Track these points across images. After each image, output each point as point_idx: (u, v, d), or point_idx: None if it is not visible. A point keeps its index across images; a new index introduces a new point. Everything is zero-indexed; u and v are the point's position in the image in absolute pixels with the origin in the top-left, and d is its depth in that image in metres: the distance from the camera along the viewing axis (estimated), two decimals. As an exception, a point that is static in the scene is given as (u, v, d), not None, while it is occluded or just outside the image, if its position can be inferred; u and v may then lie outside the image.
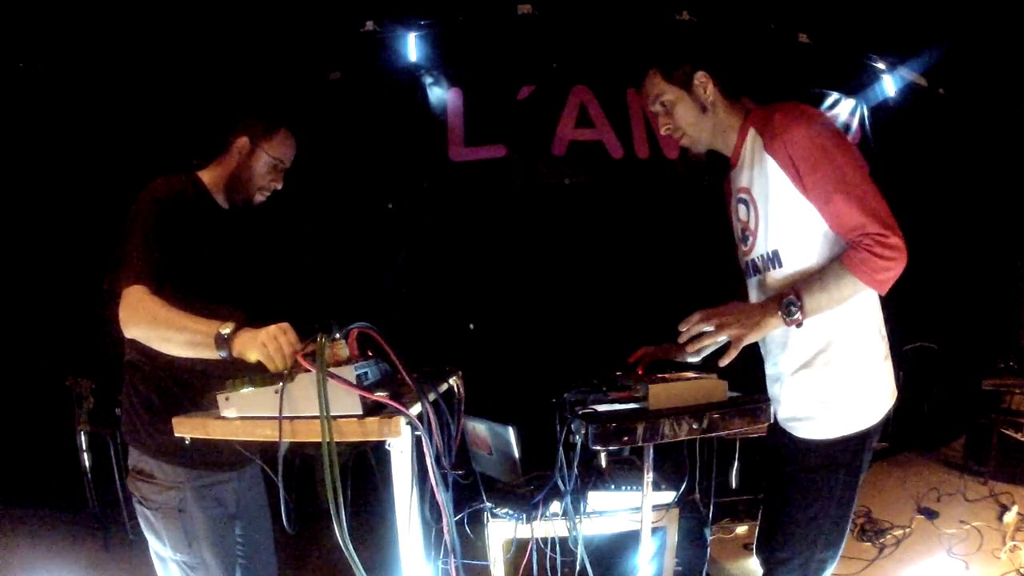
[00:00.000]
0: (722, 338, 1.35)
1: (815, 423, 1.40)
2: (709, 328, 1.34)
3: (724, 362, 1.32)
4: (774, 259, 1.40)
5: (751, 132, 1.40)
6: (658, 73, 1.45)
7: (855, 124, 4.15)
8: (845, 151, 1.27)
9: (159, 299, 1.31)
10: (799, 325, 1.29)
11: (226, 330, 1.21)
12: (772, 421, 1.48)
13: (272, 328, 1.17)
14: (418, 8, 3.58)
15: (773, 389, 1.51)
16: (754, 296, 1.53)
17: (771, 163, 1.32)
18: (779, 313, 1.28)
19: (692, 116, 1.45)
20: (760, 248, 1.43)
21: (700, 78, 1.42)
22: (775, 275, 1.40)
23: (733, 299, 1.54)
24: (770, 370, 1.52)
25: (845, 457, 1.37)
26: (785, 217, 1.34)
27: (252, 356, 1.17)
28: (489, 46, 3.68)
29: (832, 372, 1.37)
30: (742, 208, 1.47)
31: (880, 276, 1.23)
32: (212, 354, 1.22)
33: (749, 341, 1.31)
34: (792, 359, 1.42)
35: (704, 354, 1.75)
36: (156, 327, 1.29)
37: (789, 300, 1.27)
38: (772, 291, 1.39)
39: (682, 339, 1.37)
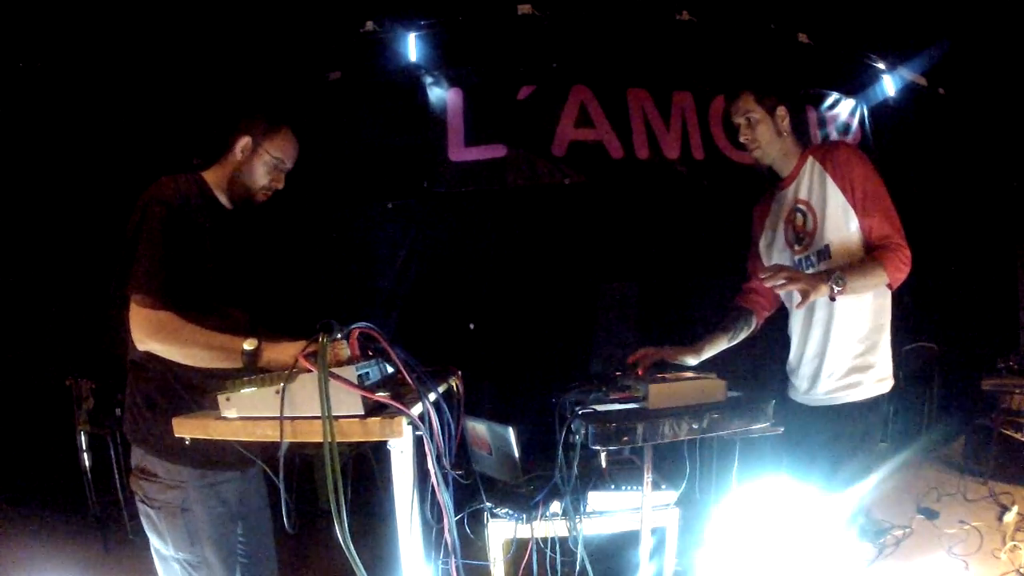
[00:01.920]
0: (793, 287, 1.61)
1: (855, 389, 1.74)
2: (785, 279, 1.59)
3: (801, 306, 1.62)
4: (824, 252, 1.76)
5: (810, 159, 1.81)
6: (751, 95, 1.80)
7: (855, 124, 4.15)
8: (882, 183, 1.73)
9: (174, 315, 1.34)
10: (833, 298, 1.60)
11: (250, 347, 1.25)
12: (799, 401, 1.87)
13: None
14: (418, 8, 3.58)
15: (806, 370, 1.84)
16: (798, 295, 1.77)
17: (831, 183, 1.74)
18: (828, 283, 1.56)
19: (769, 136, 1.81)
20: (816, 245, 1.78)
21: (782, 110, 1.80)
22: (823, 266, 1.75)
23: (732, 301, 2.04)
24: (810, 350, 1.83)
25: (874, 416, 1.76)
26: (838, 222, 1.74)
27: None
28: (489, 46, 3.68)
29: (868, 344, 1.75)
30: (799, 216, 1.83)
31: (898, 274, 1.64)
32: (236, 365, 1.27)
33: (814, 298, 1.59)
34: (843, 336, 1.75)
35: (703, 357, 1.91)
36: (180, 346, 1.33)
37: (838, 275, 1.57)
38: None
39: (766, 280, 1.60)
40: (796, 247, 1.86)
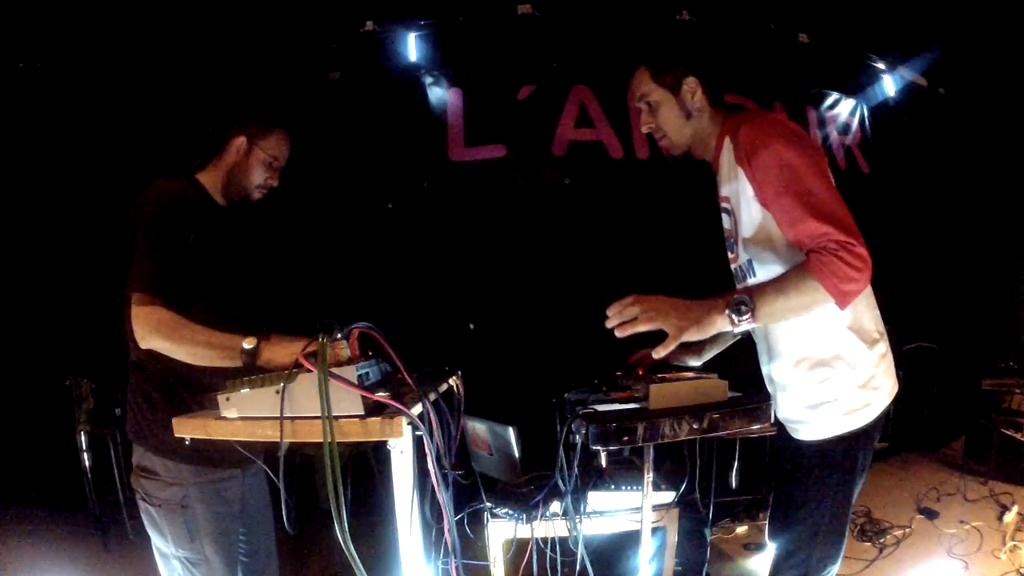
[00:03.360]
0: (648, 327, 1.24)
1: (808, 426, 1.40)
2: (636, 313, 1.23)
3: (659, 353, 1.26)
4: (749, 268, 1.41)
5: (726, 141, 1.39)
6: (647, 72, 1.44)
7: (855, 124, 4.15)
8: (807, 161, 1.23)
9: (175, 313, 1.34)
10: (739, 329, 1.27)
11: (249, 345, 1.26)
12: (773, 420, 1.48)
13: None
14: (418, 8, 3.58)
15: (769, 389, 1.52)
16: None
17: (742, 174, 1.32)
18: (726, 312, 1.20)
19: (676, 120, 1.44)
20: (741, 257, 1.43)
21: (690, 84, 1.41)
22: (751, 283, 1.40)
23: None
24: (764, 372, 1.53)
25: (836, 457, 1.36)
26: (755, 227, 1.34)
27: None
28: (489, 46, 3.68)
29: (819, 377, 1.35)
30: (725, 217, 1.48)
31: (845, 286, 1.15)
32: (235, 364, 1.28)
33: (691, 337, 1.22)
34: (781, 365, 1.42)
35: (705, 358, 1.81)
36: (181, 344, 1.33)
37: (739, 299, 1.20)
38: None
39: (610, 323, 1.25)
40: (730, 255, 1.51)
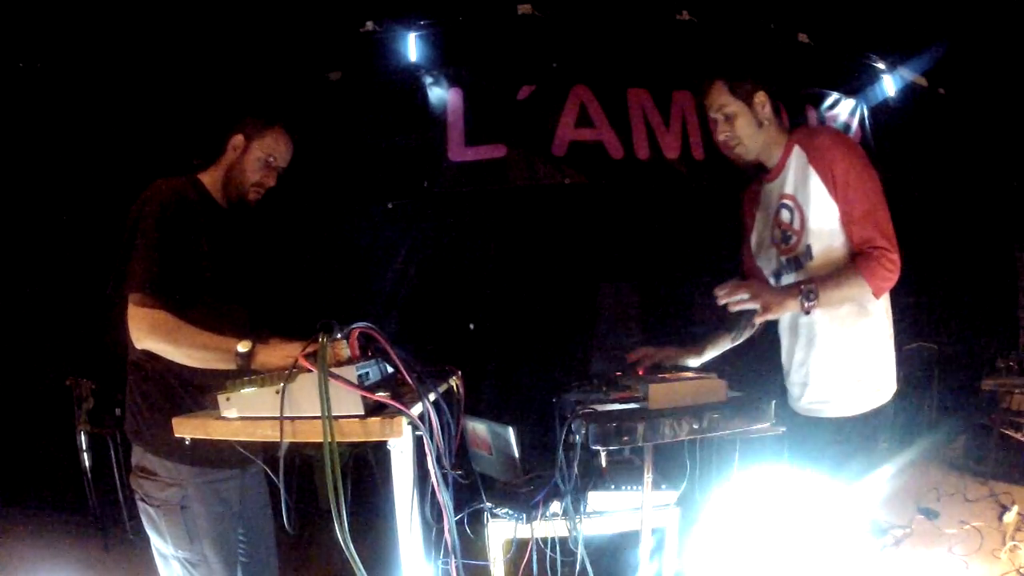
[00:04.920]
0: (751, 305, 1.52)
1: (853, 401, 1.61)
2: (745, 295, 1.50)
3: (759, 320, 1.52)
4: (807, 253, 1.62)
5: (796, 149, 1.63)
6: (724, 85, 1.62)
7: (855, 124, 4.14)
8: (871, 176, 1.55)
9: (170, 314, 1.35)
10: (808, 312, 1.50)
11: (244, 348, 1.27)
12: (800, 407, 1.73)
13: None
14: (418, 8, 3.58)
15: (798, 375, 1.71)
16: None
17: (813, 173, 1.56)
18: (799, 298, 1.47)
19: (749, 129, 1.63)
20: (802, 245, 1.63)
21: (760, 96, 1.62)
22: (809, 267, 1.62)
23: None
24: (798, 360, 1.71)
25: (882, 421, 1.62)
26: (823, 220, 1.58)
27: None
28: (489, 46, 3.68)
29: (858, 359, 1.60)
30: (785, 212, 1.67)
31: (882, 284, 1.49)
32: (230, 367, 1.28)
33: (774, 315, 1.51)
34: (824, 350, 1.63)
35: (704, 359, 1.83)
36: (177, 345, 1.34)
37: (809, 289, 1.47)
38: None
39: (721, 300, 1.51)
40: (783, 246, 1.71)
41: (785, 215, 1.67)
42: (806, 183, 1.58)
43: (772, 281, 1.78)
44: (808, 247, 1.61)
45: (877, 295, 1.52)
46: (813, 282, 1.50)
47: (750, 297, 1.50)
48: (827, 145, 1.57)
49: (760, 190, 1.78)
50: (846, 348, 1.61)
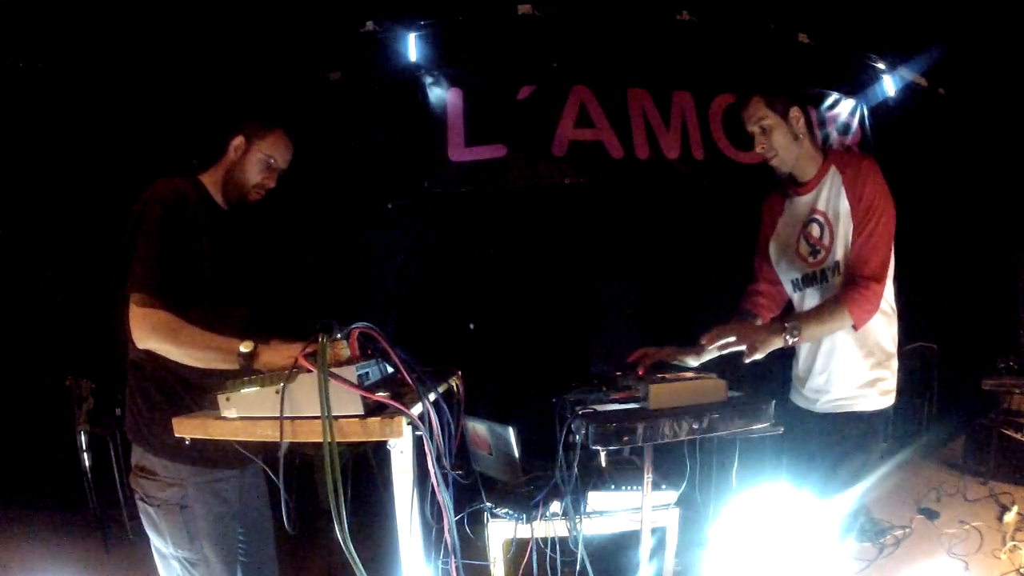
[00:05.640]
0: (738, 348, 1.62)
1: (867, 400, 1.72)
2: (732, 338, 1.61)
3: (748, 360, 1.60)
4: (834, 268, 1.73)
5: (832, 169, 1.74)
6: (762, 100, 1.72)
7: (855, 124, 4.15)
8: (887, 212, 1.66)
9: (171, 314, 1.34)
10: (792, 347, 1.65)
11: (247, 349, 1.27)
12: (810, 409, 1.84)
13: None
14: (418, 8, 3.58)
15: (816, 381, 1.80)
16: (815, 299, 1.79)
17: (844, 197, 1.69)
18: (782, 335, 1.59)
19: (785, 140, 1.73)
20: (831, 260, 1.74)
21: (795, 112, 1.72)
22: (835, 281, 1.73)
23: (737, 304, 2.00)
24: (818, 363, 1.80)
25: (884, 421, 1.74)
26: (847, 238, 1.69)
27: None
28: (489, 46, 3.68)
29: (873, 363, 1.72)
30: (815, 227, 1.77)
31: (863, 316, 1.62)
32: (232, 367, 1.28)
33: (761, 355, 1.59)
34: (844, 355, 1.74)
35: (704, 359, 1.85)
36: (178, 346, 1.34)
37: (793, 326, 1.59)
38: (834, 293, 1.71)
39: (708, 343, 1.62)
40: (810, 259, 1.80)
41: (815, 229, 1.78)
42: (839, 203, 1.70)
43: (791, 288, 1.89)
44: (836, 263, 1.72)
45: (858, 327, 1.63)
46: (798, 319, 1.65)
47: (736, 340, 1.59)
48: (865, 173, 1.68)
49: (785, 200, 1.88)
50: (866, 354, 1.71)
